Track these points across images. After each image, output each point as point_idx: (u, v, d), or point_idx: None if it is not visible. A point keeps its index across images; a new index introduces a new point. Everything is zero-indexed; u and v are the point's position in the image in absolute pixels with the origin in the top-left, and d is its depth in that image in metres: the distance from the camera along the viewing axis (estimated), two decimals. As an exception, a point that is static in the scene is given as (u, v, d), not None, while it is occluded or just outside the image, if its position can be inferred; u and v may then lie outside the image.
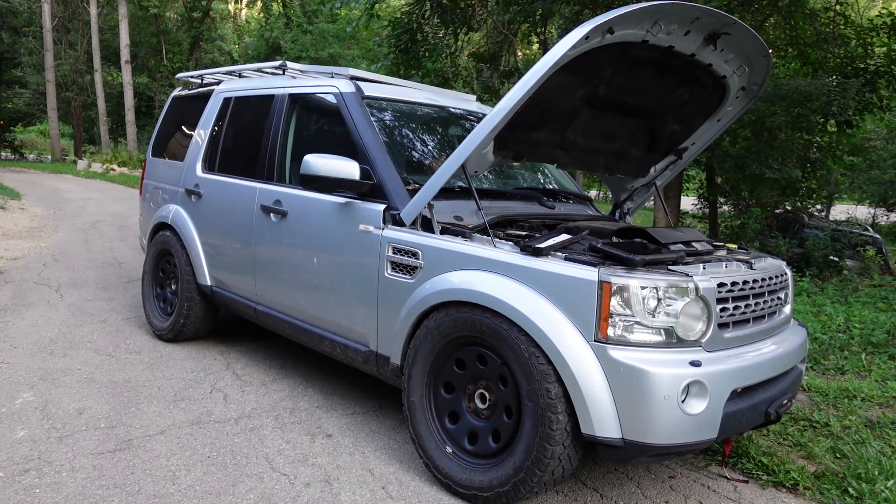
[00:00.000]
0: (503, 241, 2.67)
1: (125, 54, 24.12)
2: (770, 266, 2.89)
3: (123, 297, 5.53)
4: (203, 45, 29.23)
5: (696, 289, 2.36)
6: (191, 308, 4.27)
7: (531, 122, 3.05)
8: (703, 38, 2.90)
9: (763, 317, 2.74)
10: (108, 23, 28.87)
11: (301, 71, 3.99)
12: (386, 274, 2.96)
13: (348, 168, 3.01)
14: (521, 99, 2.56)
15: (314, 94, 3.69)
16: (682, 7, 2.65)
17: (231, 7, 36.14)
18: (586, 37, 2.48)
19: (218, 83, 4.57)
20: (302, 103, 3.76)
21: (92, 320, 4.82)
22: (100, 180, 19.60)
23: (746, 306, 2.60)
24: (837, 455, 3.18)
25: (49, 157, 30.55)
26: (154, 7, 26.22)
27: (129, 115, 25.00)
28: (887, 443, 3.33)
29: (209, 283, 4.17)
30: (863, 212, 18.54)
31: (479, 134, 2.63)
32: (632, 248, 2.48)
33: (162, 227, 4.61)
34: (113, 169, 22.55)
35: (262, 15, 29.18)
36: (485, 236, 2.72)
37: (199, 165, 4.36)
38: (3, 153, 30.94)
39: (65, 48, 28.29)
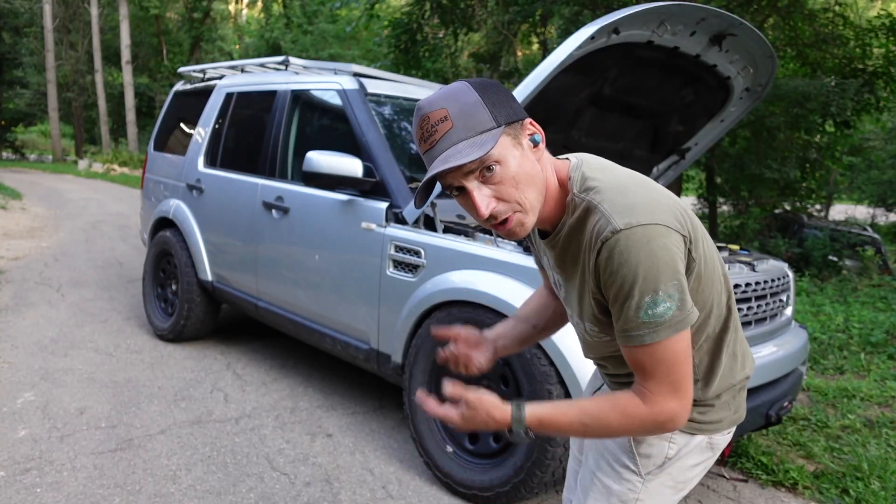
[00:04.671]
0: (506, 241, 2.67)
1: (126, 55, 24.11)
2: (772, 268, 2.89)
3: (124, 297, 5.52)
4: (203, 45, 29.20)
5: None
6: (191, 309, 4.26)
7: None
8: (709, 39, 2.89)
9: (765, 319, 2.73)
10: (109, 23, 28.85)
11: (304, 67, 3.98)
12: (388, 272, 2.96)
13: (351, 165, 3.01)
14: (526, 98, 2.55)
15: (317, 90, 3.68)
16: (688, 8, 2.65)
17: (231, 7, 36.10)
18: (592, 37, 2.47)
19: (220, 78, 4.57)
20: (305, 99, 3.76)
21: (93, 320, 4.82)
22: (101, 180, 19.58)
23: (749, 308, 2.60)
24: (836, 454, 3.18)
25: (50, 157, 30.51)
26: (155, 7, 26.20)
27: (130, 116, 24.99)
28: (886, 442, 3.33)
29: (210, 279, 4.17)
30: (862, 212, 18.53)
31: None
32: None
33: (163, 222, 4.61)
34: (114, 169, 22.51)
35: (262, 15, 29.15)
36: (487, 235, 2.72)
37: (200, 160, 4.36)
38: (4, 153, 30.89)
39: (66, 48, 28.27)
